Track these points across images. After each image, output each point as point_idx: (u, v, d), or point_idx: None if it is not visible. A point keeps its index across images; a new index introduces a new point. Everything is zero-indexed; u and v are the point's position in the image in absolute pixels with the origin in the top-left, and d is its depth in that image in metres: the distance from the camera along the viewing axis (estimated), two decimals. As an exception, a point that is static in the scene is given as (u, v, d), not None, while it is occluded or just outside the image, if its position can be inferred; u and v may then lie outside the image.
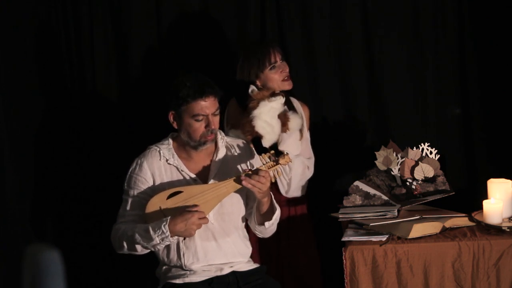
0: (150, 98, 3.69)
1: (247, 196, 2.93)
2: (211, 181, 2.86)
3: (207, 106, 2.79)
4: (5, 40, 3.48)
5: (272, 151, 2.90)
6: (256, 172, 2.75)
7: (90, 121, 3.73)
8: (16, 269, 2.11)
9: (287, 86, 3.27)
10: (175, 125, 2.86)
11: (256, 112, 3.05)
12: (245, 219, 2.99)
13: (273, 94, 3.08)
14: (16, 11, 3.55)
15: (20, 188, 3.51)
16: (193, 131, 2.82)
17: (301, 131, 3.27)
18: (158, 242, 2.73)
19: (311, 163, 3.32)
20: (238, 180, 2.77)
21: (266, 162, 2.83)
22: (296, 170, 3.21)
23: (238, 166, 2.93)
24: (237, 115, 3.25)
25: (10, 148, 3.41)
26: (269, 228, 2.91)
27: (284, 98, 3.12)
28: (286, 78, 3.27)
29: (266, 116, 3.05)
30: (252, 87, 3.15)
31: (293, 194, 3.29)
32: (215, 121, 2.83)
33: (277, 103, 3.07)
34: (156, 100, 3.64)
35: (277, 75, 3.25)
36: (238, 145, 2.99)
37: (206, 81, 2.83)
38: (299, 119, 3.21)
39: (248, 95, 3.14)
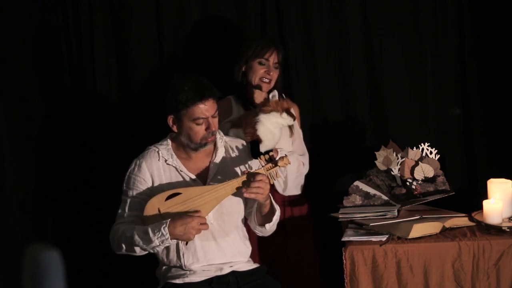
0: (149, 98, 3.69)
1: (246, 196, 2.93)
2: (210, 182, 2.86)
3: (207, 109, 2.79)
4: (5, 40, 3.48)
5: (271, 153, 2.89)
6: (254, 178, 2.75)
7: (90, 121, 3.73)
8: (16, 269, 2.11)
9: (263, 86, 3.28)
10: (174, 129, 2.85)
11: (263, 117, 3.05)
12: (245, 218, 2.99)
13: (288, 112, 3.08)
14: (16, 11, 3.55)
15: (20, 188, 3.50)
16: (194, 134, 2.82)
17: (291, 128, 3.28)
18: (158, 244, 2.72)
19: (305, 159, 3.33)
20: (237, 183, 2.77)
21: (265, 164, 2.83)
22: (291, 167, 3.20)
23: (237, 168, 2.93)
24: (225, 113, 3.26)
25: (10, 148, 3.41)
26: (270, 228, 2.93)
27: (295, 120, 3.13)
28: (267, 80, 3.28)
29: (270, 124, 3.06)
30: (274, 92, 3.14)
31: (290, 192, 3.29)
32: (215, 122, 2.84)
33: (285, 122, 3.08)
34: (155, 100, 3.64)
35: (261, 71, 3.27)
36: (237, 146, 2.99)
37: (204, 83, 2.82)
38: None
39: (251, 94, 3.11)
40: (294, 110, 3.31)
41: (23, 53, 3.62)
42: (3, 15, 3.47)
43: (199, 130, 2.81)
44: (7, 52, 3.49)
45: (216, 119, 2.84)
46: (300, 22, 3.71)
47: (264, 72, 3.27)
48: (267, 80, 3.28)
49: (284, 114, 3.06)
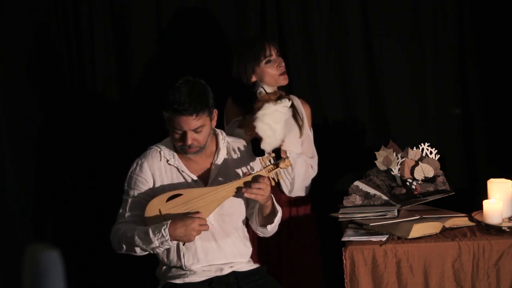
0: (150, 98, 3.69)
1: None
2: (212, 183, 2.86)
3: (185, 122, 2.74)
4: (5, 40, 3.48)
5: (273, 154, 2.88)
6: (255, 179, 2.74)
7: (90, 121, 3.73)
8: (16, 269, 2.11)
9: (283, 81, 3.26)
10: (167, 126, 2.86)
11: (259, 114, 3.02)
12: (246, 219, 2.99)
13: (280, 98, 3.05)
14: (16, 11, 3.55)
15: (20, 188, 3.50)
16: (173, 139, 2.83)
17: (300, 128, 3.25)
18: (158, 245, 2.72)
19: (314, 162, 3.30)
20: (238, 185, 2.77)
21: (266, 166, 2.82)
22: (299, 169, 3.19)
23: (239, 170, 2.92)
24: (231, 114, 3.25)
25: (10, 148, 3.40)
26: (271, 229, 2.93)
27: (291, 102, 3.10)
28: (282, 72, 3.26)
29: (269, 119, 3.01)
30: (260, 89, 3.13)
31: (296, 194, 3.27)
32: (198, 137, 2.78)
33: (283, 107, 3.03)
34: (155, 100, 3.64)
35: (274, 70, 3.24)
36: (239, 147, 2.98)
37: (196, 96, 2.74)
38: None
39: (254, 96, 3.12)
40: (304, 110, 3.30)
41: (23, 53, 3.61)
42: (3, 15, 3.47)
43: (177, 138, 2.80)
44: (7, 52, 3.48)
45: (201, 133, 2.78)
46: (300, 22, 3.70)
47: (277, 68, 3.24)
48: (282, 72, 3.24)
49: (277, 101, 3.03)
